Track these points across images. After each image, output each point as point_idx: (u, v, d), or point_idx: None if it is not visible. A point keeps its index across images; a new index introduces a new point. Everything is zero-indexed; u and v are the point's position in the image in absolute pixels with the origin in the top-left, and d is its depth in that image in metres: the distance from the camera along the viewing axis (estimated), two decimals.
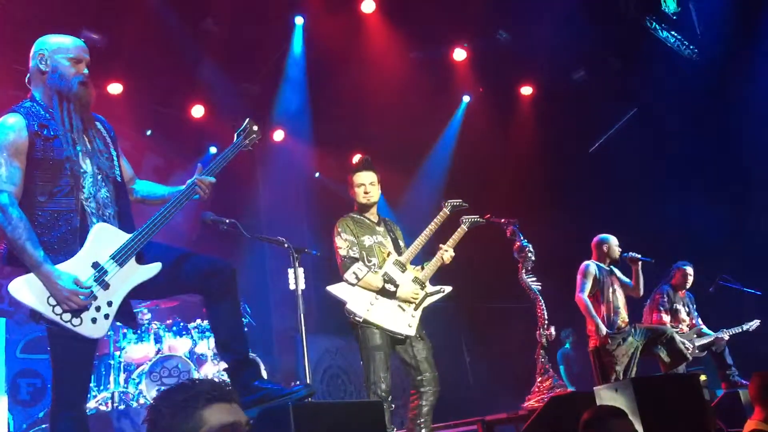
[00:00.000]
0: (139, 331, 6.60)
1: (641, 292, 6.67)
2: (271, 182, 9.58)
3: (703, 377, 6.49)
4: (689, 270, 7.21)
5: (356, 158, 4.95)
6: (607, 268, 6.63)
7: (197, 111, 8.50)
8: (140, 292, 3.22)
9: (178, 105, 8.48)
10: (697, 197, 8.17)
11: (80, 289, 2.91)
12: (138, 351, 6.60)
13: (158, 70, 7.63)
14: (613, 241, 6.66)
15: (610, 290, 6.51)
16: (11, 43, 6.44)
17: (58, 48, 3.19)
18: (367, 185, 4.81)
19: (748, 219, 7.97)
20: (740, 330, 7.17)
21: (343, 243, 4.66)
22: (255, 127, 3.71)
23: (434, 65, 8.83)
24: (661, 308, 7.10)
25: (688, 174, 8.44)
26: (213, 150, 8.82)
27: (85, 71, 3.21)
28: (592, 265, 6.55)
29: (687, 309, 7.27)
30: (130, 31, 6.99)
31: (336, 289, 4.57)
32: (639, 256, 6.52)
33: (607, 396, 4.13)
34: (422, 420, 4.51)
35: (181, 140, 8.72)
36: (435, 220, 4.90)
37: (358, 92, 8.41)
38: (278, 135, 9.21)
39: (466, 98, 9.55)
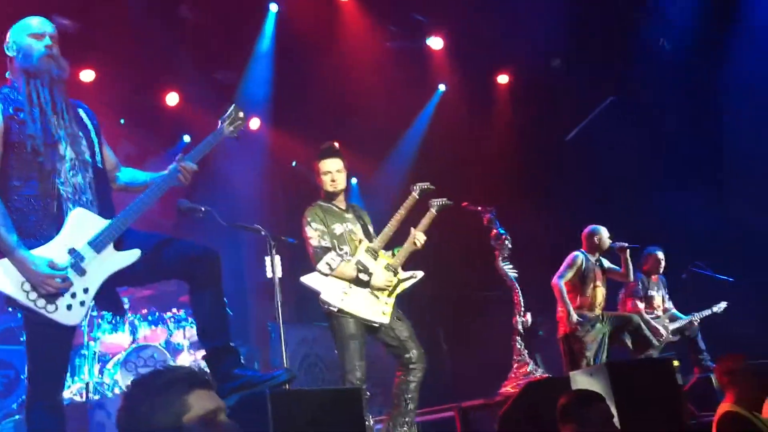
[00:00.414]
0: (114, 321, 6.54)
1: (632, 277, 6.87)
2: (247, 170, 9.52)
3: (675, 363, 6.59)
4: (660, 255, 7.33)
5: (323, 145, 4.84)
6: (595, 260, 6.71)
7: (172, 99, 8.42)
8: (123, 279, 3.19)
9: (152, 93, 8.37)
10: (676, 184, 8.25)
11: (55, 272, 2.88)
12: (113, 341, 6.55)
13: (132, 58, 7.53)
14: (605, 232, 6.76)
15: (592, 285, 6.61)
16: None
17: (21, 29, 3.17)
18: (334, 173, 4.75)
19: (728, 205, 8.05)
20: (710, 312, 7.33)
21: (313, 233, 4.62)
22: (240, 114, 3.64)
23: (410, 53, 8.80)
24: (635, 296, 7.22)
25: (666, 161, 8.50)
26: (187, 139, 8.73)
27: (48, 43, 3.15)
28: (580, 257, 6.64)
29: (661, 294, 7.40)
30: (103, 17, 6.89)
31: (309, 280, 4.56)
32: (626, 244, 6.66)
33: (582, 381, 4.19)
34: (410, 396, 4.54)
35: (155, 128, 8.63)
36: (404, 204, 4.89)
37: (334, 80, 8.37)
38: (254, 123, 9.14)
39: (442, 86, 9.53)
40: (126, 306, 6.64)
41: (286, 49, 8.18)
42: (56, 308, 2.92)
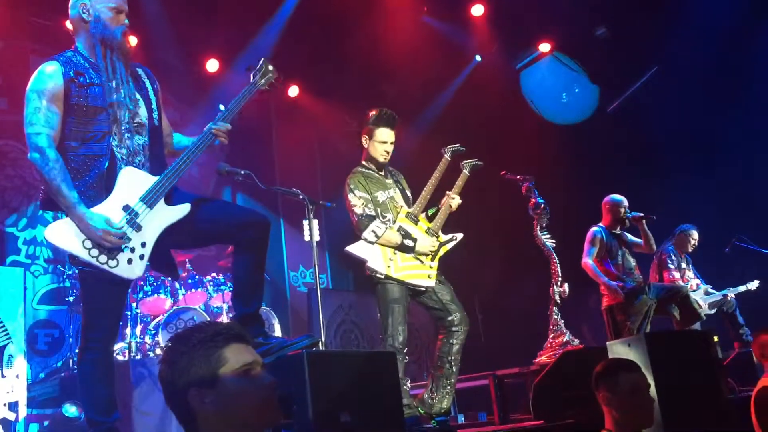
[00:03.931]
0: (154, 284, 6.67)
1: (654, 246, 6.73)
2: (285, 136, 9.59)
3: (715, 337, 6.52)
4: (694, 233, 7.31)
5: (382, 112, 4.71)
6: (617, 232, 6.64)
7: (212, 65, 8.47)
8: (177, 241, 3.30)
9: (193, 58, 8.42)
10: (712, 163, 8.06)
11: (112, 229, 2.99)
12: (154, 303, 6.69)
13: (174, 22, 7.56)
14: (624, 202, 6.65)
15: (620, 253, 6.55)
16: None
17: None
18: (389, 143, 4.72)
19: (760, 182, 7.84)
20: (744, 289, 7.30)
21: (357, 201, 4.60)
22: (270, 67, 3.68)
23: (451, 20, 8.70)
24: (671, 266, 7.16)
25: (706, 136, 8.28)
26: (221, 108, 8.77)
27: (126, 21, 3.28)
28: (598, 232, 6.60)
29: (692, 269, 7.39)
30: None
31: (355, 249, 4.55)
32: (642, 214, 6.56)
33: (620, 351, 4.14)
34: (453, 358, 4.57)
35: (196, 95, 8.69)
36: (438, 167, 4.88)
37: (372, 48, 8.32)
38: (293, 90, 9.17)
39: (478, 57, 9.39)
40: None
41: (324, 17, 8.12)
42: (117, 263, 3.04)
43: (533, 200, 5.79)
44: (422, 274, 4.61)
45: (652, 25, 8.17)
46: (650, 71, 8.93)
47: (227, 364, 1.81)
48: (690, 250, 7.38)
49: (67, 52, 3.24)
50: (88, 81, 3.14)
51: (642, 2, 7.98)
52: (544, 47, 9.22)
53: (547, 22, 8.74)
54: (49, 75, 3.09)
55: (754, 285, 7.35)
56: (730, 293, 7.21)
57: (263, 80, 3.65)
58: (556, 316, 5.61)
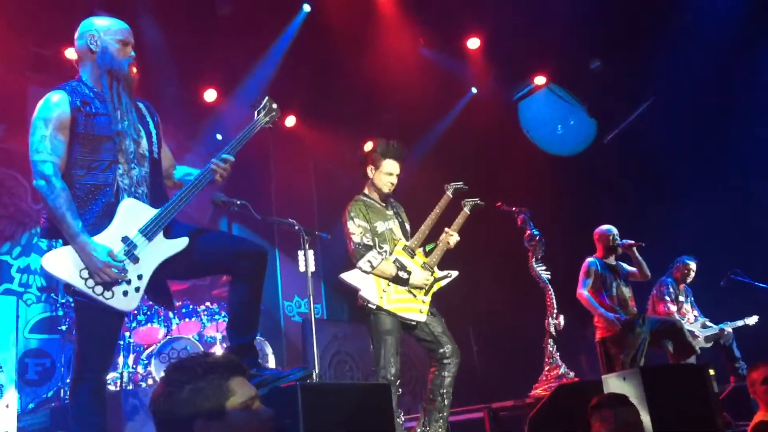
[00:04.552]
0: (148, 313, 6.64)
1: (648, 273, 6.74)
2: (282, 166, 9.61)
3: (711, 370, 6.49)
4: (692, 265, 7.33)
5: (391, 144, 4.76)
6: (612, 263, 6.65)
7: (210, 95, 8.51)
8: (174, 271, 3.30)
9: (191, 88, 8.47)
10: (711, 192, 8.09)
11: (114, 262, 3.00)
12: (147, 332, 6.65)
13: (171, 52, 7.62)
14: (613, 231, 6.70)
15: (614, 284, 6.56)
16: (31, 27, 6.49)
17: (108, 29, 3.32)
18: (395, 175, 4.76)
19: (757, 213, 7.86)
20: (742, 324, 7.28)
21: (356, 229, 4.61)
22: (274, 105, 3.75)
23: (448, 52, 8.79)
24: (667, 298, 7.17)
25: (701, 167, 8.33)
26: (219, 137, 8.83)
27: (132, 54, 3.34)
28: (593, 263, 6.62)
29: (689, 301, 7.40)
30: (140, 11, 7.00)
31: (349, 277, 4.56)
32: (632, 241, 6.60)
33: (615, 385, 4.13)
34: (445, 390, 4.54)
35: (192, 125, 8.72)
36: (439, 204, 4.92)
37: (369, 79, 8.39)
38: (290, 121, 9.21)
39: (474, 89, 9.48)
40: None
41: (320, 46, 8.20)
42: (113, 295, 3.04)
43: (528, 232, 5.80)
44: (414, 308, 4.60)
45: (647, 56, 8.25)
46: (646, 102, 9.01)
47: (233, 397, 1.81)
48: (688, 281, 7.38)
49: (71, 82, 3.28)
50: (94, 110, 3.17)
51: (635, 34, 8.06)
52: (540, 80, 9.31)
53: (542, 55, 8.83)
54: (56, 103, 3.12)
55: (752, 320, 7.33)
56: (728, 327, 7.18)
57: (267, 118, 3.71)
58: (551, 349, 5.59)
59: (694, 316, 7.29)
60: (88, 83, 3.27)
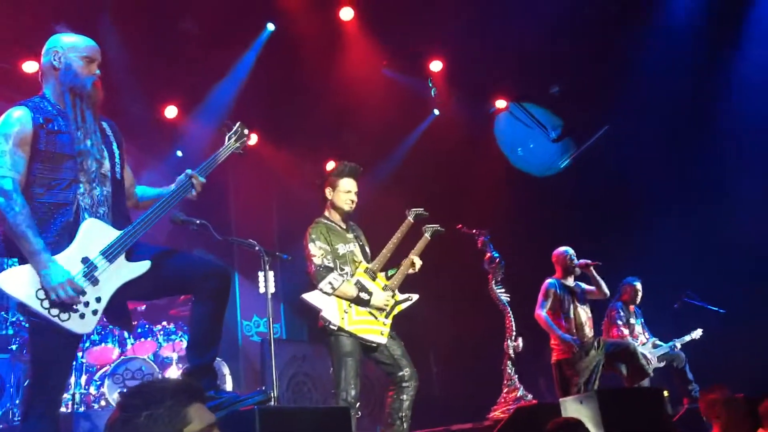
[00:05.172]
0: (102, 332, 6.50)
1: (606, 291, 6.85)
2: (243, 186, 9.53)
3: (665, 392, 6.61)
4: (638, 285, 7.46)
5: (345, 165, 4.87)
6: (570, 284, 6.73)
7: (170, 112, 8.43)
8: (135, 292, 3.22)
9: (151, 104, 8.37)
10: (665, 215, 8.26)
11: (73, 283, 2.92)
12: (101, 353, 6.50)
13: (132, 68, 7.54)
14: (570, 251, 6.79)
15: (572, 307, 6.62)
16: None
17: (73, 47, 3.26)
18: (353, 193, 4.82)
19: (716, 234, 8.04)
20: (689, 339, 7.44)
21: (317, 251, 4.63)
22: (246, 131, 3.76)
23: (411, 74, 8.87)
24: (619, 322, 7.29)
25: (660, 189, 8.50)
26: (179, 154, 8.74)
27: (97, 72, 3.28)
28: (552, 284, 6.70)
29: (640, 322, 7.53)
30: (103, 29, 6.91)
31: (311, 297, 4.56)
32: (589, 261, 6.72)
33: (572, 408, 4.16)
34: (403, 414, 4.54)
35: (152, 141, 8.62)
36: (400, 228, 4.98)
37: (332, 99, 8.41)
38: (252, 139, 9.15)
39: (436, 111, 9.57)
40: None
41: (284, 68, 8.20)
42: (69, 317, 2.94)
43: (488, 254, 5.87)
44: (375, 329, 4.61)
45: (605, 83, 8.42)
46: (601, 129, 9.20)
47: (191, 425, 1.76)
48: (637, 302, 7.49)
49: (34, 98, 3.21)
50: (56, 128, 3.11)
51: (593, 60, 8.23)
52: (500, 103, 9.44)
53: (502, 80, 8.97)
54: (17, 119, 3.05)
55: (697, 334, 7.49)
56: (677, 344, 7.33)
57: (238, 143, 3.71)
58: (510, 371, 5.64)
59: (646, 337, 7.41)
60: (51, 100, 3.21)
